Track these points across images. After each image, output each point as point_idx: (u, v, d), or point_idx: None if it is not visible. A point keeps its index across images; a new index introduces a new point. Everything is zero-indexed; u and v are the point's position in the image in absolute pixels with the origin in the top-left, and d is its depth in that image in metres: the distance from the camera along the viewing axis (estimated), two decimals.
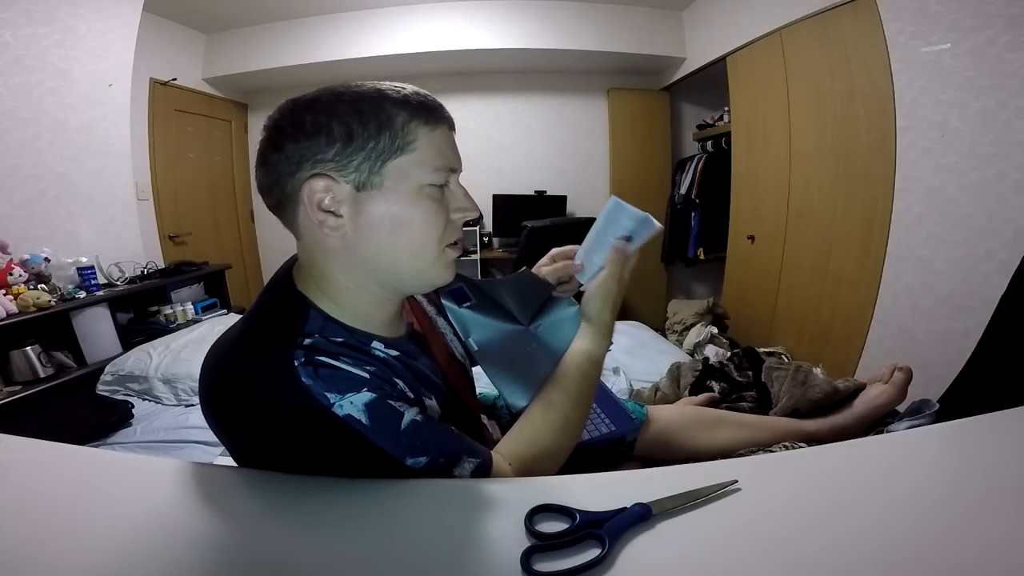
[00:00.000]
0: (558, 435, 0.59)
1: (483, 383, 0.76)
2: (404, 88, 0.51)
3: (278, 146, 0.50)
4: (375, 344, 0.54)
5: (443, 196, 0.53)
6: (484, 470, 0.52)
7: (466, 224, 0.58)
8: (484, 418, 0.79)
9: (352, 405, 0.46)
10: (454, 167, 0.54)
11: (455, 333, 0.75)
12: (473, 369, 0.76)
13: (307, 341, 0.49)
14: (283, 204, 0.52)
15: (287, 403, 0.46)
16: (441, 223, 0.53)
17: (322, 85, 0.53)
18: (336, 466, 0.48)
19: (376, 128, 0.49)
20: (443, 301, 0.74)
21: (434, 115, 0.52)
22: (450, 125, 0.54)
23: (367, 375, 0.49)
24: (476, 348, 0.71)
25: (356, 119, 0.48)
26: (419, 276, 0.55)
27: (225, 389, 0.49)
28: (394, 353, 0.55)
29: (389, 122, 0.49)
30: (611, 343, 0.66)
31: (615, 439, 0.82)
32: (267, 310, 0.55)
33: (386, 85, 0.51)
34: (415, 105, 0.51)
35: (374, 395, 0.48)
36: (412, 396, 0.53)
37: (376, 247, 0.52)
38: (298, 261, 0.58)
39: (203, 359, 0.53)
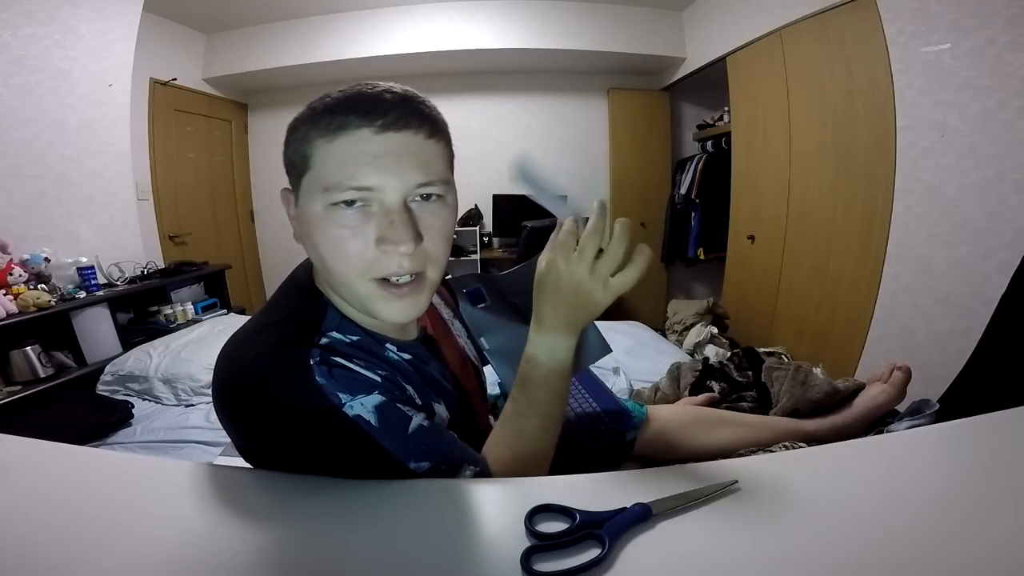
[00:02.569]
0: (515, 449, 0.56)
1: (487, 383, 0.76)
2: (341, 92, 0.46)
3: None
4: (388, 346, 0.55)
5: (365, 221, 0.46)
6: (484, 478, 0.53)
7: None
8: (491, 419, 0.80)
9: (362, 406, 0.47)
10: (366, 185, 0.44)
11: (469, 335, 0.75)
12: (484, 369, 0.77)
13: (323, 340, 0.50)
14: None
15: (300, 402, 0.46)
16: (352, 253, 0.46)
17: (321, 85, 0.53)
18: (342, 465, 0.48)
19: (296, 142, 0.48)
20: (459, 302, 0.74)
21: (341, 121, 0.44)
22: (383, 127, 0.44)
23: (378, 378, 0.50)
24: (488, 347, 0.70)
25: (289, 134, 0.49)
26: (360, 305, 0.51)
27: (239, 383, 0.49)
28: (406, 356, 0.56)
29: (300, 138, 0.48)
30: (565, 345, 0.53)
31: (613, 439, 0.82)
32: (286, 305, 0.55)
33: (336, 90, 0.47)
34: (320, 111, 0.45)
35: (384, 398, 0.48)
36: (420, 402, 0.54)
37: (315, 261, 0.53)
38: None
39: (219, 351, 0.53)
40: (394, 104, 0.45)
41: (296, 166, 0.49)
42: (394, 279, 0.47)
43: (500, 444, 0.57)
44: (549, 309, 0.52)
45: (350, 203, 0.45)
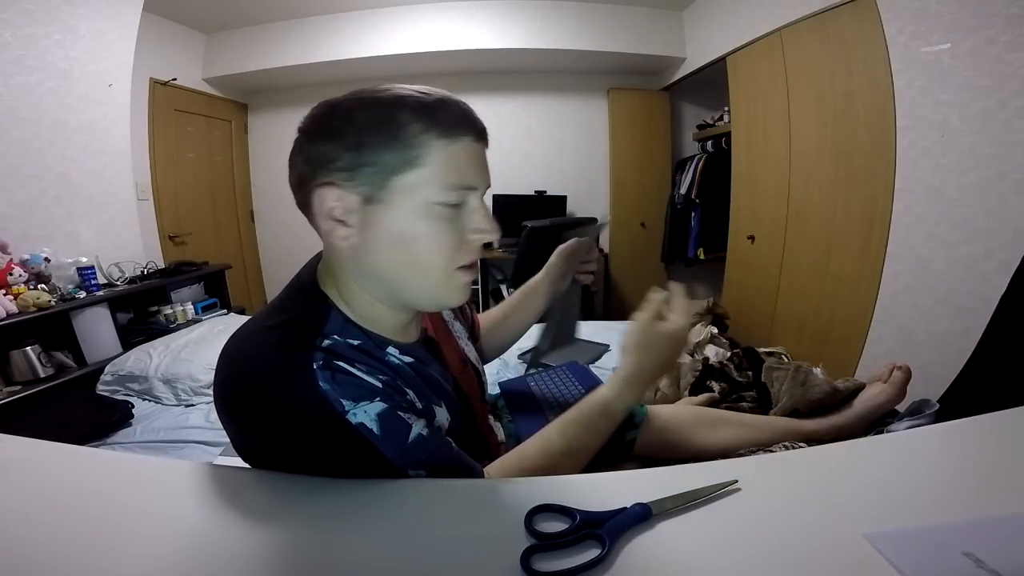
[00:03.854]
0: (539, 468, 0.57)
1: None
2: (431, 94, 0.49)
3: (300, 148, 0.50)
4: (390, 350, 0.55)
5: (458, 215, 0.51)
6: None
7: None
8: (490, 419, 0.80)
9: (365, 414, 0.47)
10: (473, 185, 0.51)
11: (469, 337, 0.75)
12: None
13: (326, 343, 0.50)
14: (306, 206, 0.52)
15: (304, 407, 0.46)
16: (450, 244, 0.50)
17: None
18: (342, 469, 0.49)
19: (388, 139, 0.47)
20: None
21: (456, 126, 0.49)
22: (478, 136, 0.51)
23: (380, 384, 0.50)
24: None
25: (369, 128, 0.47)
26: (428, 296, 0.54)
27: (242, 384, 0.49)
28: (408, 360, 0.56)
29: (401, 133, 0.47)
30: (636, 399, 0.60)
31: (613, 439, 0.82)
32: (289, 307, 0.55)
33: (411, 90, 0.49)
34: (434, 114, 0.48)
35: (386, 405, 0.48)
36: (420, 406, 0.54)
37: (381, 263, 0.51)
38: (323, 260, 0.58)
39: (221, 350, 0.53)
40: (477, 119, 0.52)
41: (387, 164, 0.47)
42: (468, 261, 0.53)
43: (527, 461, 0.57)
44: (637, 366, 0.59)
45: (451, 202, 0.50)
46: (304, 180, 0.50)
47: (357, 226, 0.49)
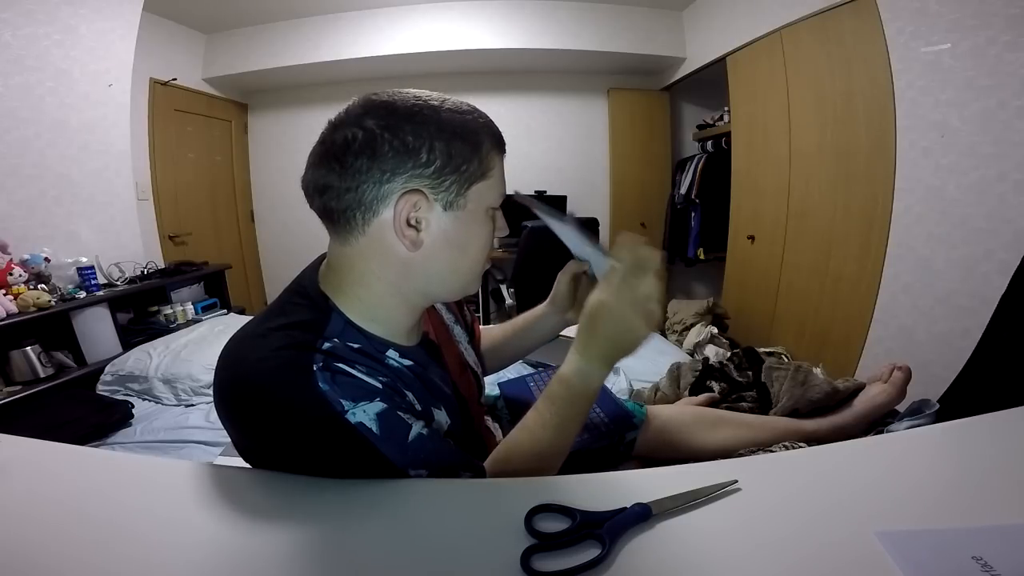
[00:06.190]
0: (527, 460, 0.57)
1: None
2: (483, 115, 0.55)
3: (370, 151, 0.48)
4: (390, 353, 0.55)
5: (494, 219, 0.57)
6: None
7: None
8: (488, 420, 0.80)
9: (364, 414, 0.47)
10: (506, 192, 0.59)
11: (469, 342, 0.76)
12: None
13: (326, 345, 0.50)
14: (350, 208, 0.50)
15: (303, 407, 0.47)
16: (490, 242, 0.58)
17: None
18: (342, 469, 0.49)
19: (469, 152, 0.51)
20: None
21: (503, 145, 0.56)
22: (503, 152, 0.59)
23: (380, 385, 0.50)
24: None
25: (457, 141, 0.50)
26: (459, 288, 0.58)
27: (242, 386, 0.50)
28: (407, 363, 0.56)
29: (478, 148, 0.52)
30: (600, 375, 0.56)
31: (613, 440, 0.82)
32: (290, 310, 0.55)
33: (466, 107, 0.54)
34: (493, 133, 0.54)
35: (385, 405, 0.49)
36: (420, 408, 0.54)
37: (438, 263, 0.54)
38: (328, 264, 0.58)
39: (221, 352, 0.53)
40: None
41: (469, 174, 0.51)
42: (488, 254, 0.59)
43: (513, 449, 0.58)
44: (595, 340, 0.55)
45: (498, 206, 0.57)
46: (368, 185, 0.49)
47: (429, 231, 0.52)
